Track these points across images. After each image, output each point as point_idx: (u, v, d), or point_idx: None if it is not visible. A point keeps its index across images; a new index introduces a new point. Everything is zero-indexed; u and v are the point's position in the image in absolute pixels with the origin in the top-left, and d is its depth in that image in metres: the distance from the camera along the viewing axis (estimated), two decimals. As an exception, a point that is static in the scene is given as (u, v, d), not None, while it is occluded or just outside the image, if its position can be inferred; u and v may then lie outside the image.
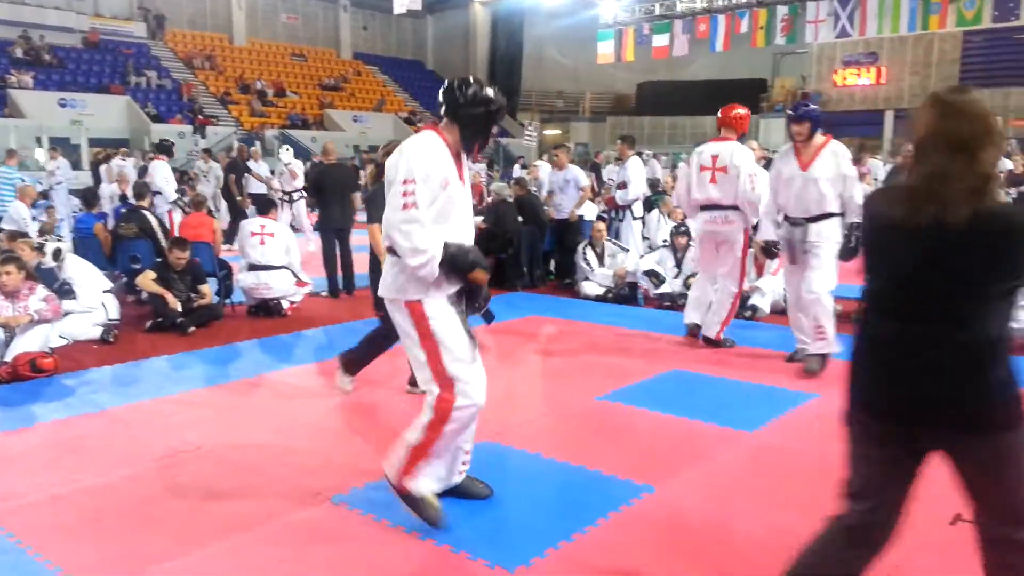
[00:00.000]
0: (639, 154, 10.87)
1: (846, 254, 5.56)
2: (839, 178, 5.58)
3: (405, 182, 3.03)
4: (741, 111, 6.49)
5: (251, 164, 14.23)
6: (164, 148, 11.57)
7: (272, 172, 14.50)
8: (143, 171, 13.12)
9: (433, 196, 3.06)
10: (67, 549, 3.18)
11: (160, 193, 10.56)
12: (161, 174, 10.80)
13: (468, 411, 3.22)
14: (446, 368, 3.18)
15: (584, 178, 9.46)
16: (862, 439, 2.23)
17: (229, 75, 30.46)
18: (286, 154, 13.79)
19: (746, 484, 3.80)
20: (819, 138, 5.68)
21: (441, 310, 3.19)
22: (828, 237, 5.62)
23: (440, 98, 3.24)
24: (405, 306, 3.18)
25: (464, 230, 3.23)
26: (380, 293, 3.29)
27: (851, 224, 5.53)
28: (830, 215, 5.62)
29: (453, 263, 3.11)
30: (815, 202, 5.60)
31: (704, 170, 6.30)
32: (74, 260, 6.96)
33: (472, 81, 3.22)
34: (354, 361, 5.20)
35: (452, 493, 3.50)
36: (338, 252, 8.72)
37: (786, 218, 5.82)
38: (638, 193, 9.69)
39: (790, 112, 5.77)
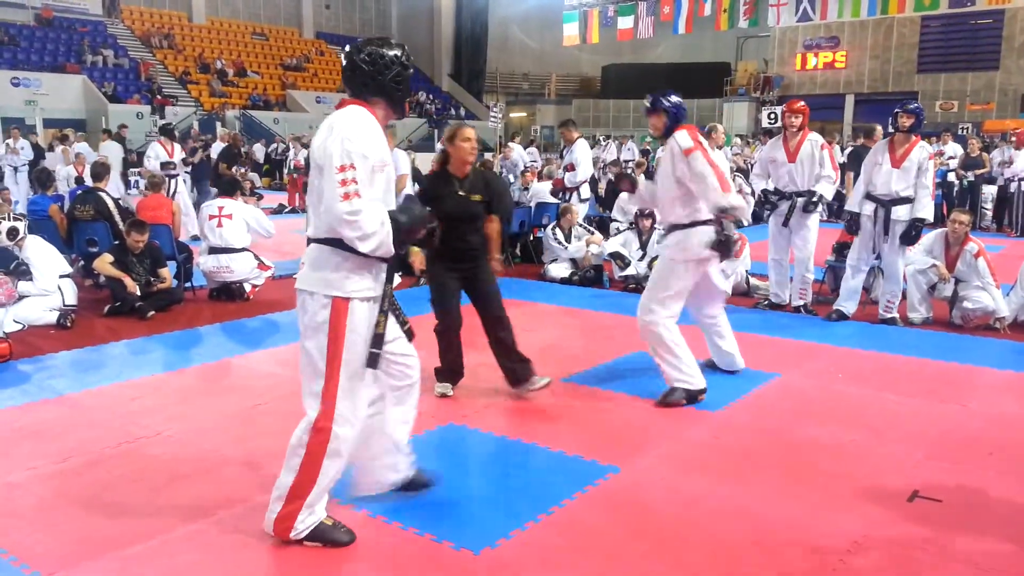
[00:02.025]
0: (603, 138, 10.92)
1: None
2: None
3: (343, 168, 2.74)
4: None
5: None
6: (166, 131, 12.45)
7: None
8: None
9: (372, 179, 2.81)
10: (24, 537, 3.12)
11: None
12: (152, 152, 11.77)
13: (346, 443, 2.94)
14: (339, 386, 2.90)
15: (405, 165, 8.89)
16: None
17: (188, 54, 29.88)
18: None
19: (710, 463, 3.84)
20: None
21: (362, 320, 2.89)
22: None
23: (351, 74, 2.95)
24: (331, 303, 2.87)
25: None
26: (298, 285, 2.97)
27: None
28: None
29: (406, 231, 2.87)
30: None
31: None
32: (35, 241, 6.77)
33: (375, 44, 2.96)
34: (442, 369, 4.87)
35: (400, 488, 3.35)
36: None
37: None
38: (585, 175, 9.81)
39: (646, 105, 4.80)
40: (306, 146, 18.88)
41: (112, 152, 14.47)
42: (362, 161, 2.77)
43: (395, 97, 2.98)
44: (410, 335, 3.20)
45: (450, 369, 4.82)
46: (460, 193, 4.55)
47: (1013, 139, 13.72)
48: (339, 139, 2.78)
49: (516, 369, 4.73)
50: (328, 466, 2.94)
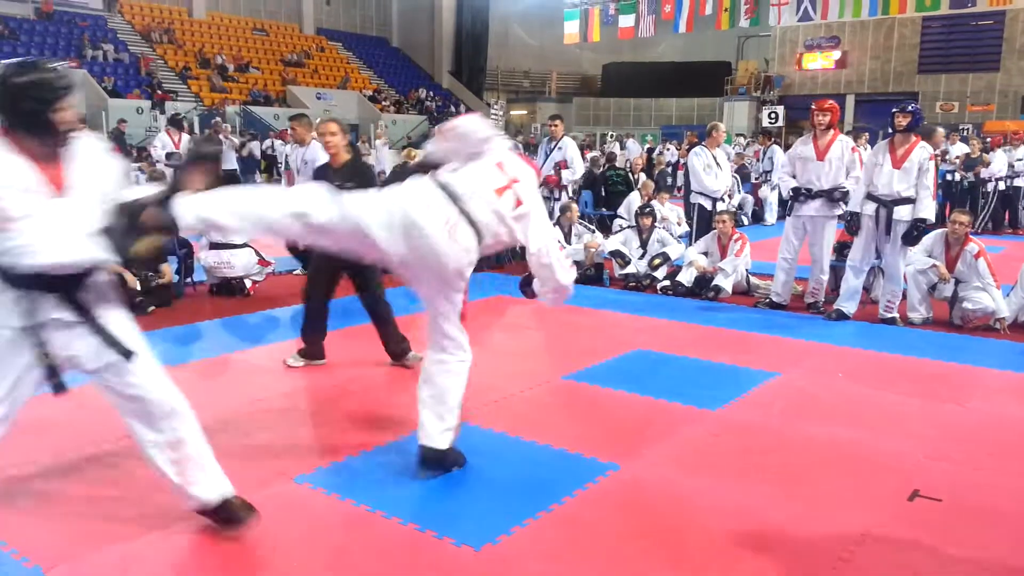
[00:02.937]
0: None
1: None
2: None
3: None
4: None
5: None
6: (175, 122, 12.88)
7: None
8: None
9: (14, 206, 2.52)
10: (24, 530, 3.12)
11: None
12: (159, 142, 12.34)
13: None
14: None
15: (389, 163, 8.93)
16: None
17: (188, 49, 29.82)
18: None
19: (710, 462, 3.84)
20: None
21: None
22: None
23: None
24: None
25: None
26: None
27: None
28: None
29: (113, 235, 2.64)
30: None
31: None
32: None
33: (10, 71, 2.57)
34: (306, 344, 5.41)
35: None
36: None
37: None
38: (581, 172, 9.83)
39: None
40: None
41: None
42: None
43: (22, 128, 2.57)
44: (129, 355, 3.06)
45: (311, 344, 5.35)
46: (335, 183, 4.75)
47: (988, 140, 13.76)
48: None
49: (391, 345, 5.30)
50: None
